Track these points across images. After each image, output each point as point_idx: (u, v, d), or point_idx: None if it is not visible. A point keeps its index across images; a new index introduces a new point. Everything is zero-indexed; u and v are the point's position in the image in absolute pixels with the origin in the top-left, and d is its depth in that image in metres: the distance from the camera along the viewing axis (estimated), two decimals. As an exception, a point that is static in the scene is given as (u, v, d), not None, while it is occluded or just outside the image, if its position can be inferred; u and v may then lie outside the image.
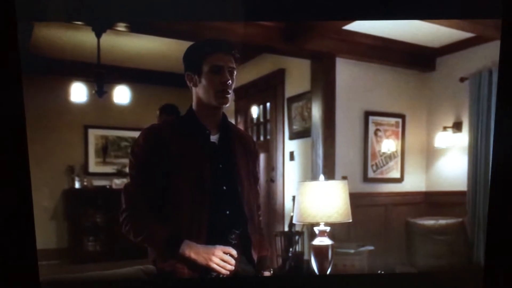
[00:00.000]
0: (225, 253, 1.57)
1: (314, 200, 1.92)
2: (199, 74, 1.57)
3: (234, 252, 1.57)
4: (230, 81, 1.58)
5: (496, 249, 1.72)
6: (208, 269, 1.59)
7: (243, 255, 1.63)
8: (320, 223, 1.97)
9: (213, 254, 1.58)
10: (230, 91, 1.58)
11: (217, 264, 1.57)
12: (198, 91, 1.59)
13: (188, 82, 1.59)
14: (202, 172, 1.57)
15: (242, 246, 1.63)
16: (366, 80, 2.55)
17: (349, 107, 2.66)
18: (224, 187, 1.60)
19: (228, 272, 1.57)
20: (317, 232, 2.02)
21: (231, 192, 1.61)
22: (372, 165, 2.74)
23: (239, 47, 1.63)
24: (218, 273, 1.58)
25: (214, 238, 1.62)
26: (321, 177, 2.12)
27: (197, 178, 1.58)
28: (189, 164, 1.58)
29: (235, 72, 1.60)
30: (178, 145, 1.57)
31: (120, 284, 1.82)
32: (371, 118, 2.68)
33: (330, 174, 2.56)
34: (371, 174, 2.70)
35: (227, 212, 1.62)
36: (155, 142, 1.57)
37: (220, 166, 1.60)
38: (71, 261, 3.07)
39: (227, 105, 1.60)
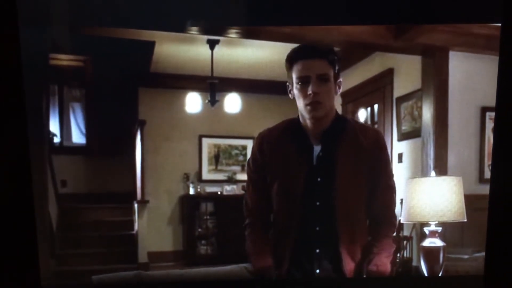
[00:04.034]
0: None
1: (424, 197, 1.83)
2: (292, 84, 1.55)
3: None
4: (318, 92, 1.51)
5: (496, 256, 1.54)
6: None
7: (334, 271, 1.58)
8: (431, 223, 1.87)
9: None
10: (321, 102, 1.52)
11: None
12: (296, 102, 1.57)
13: (288, 93, 1.58)
14: (296, 186, 1.56)
15: (331, 261, 1.59)
16: (483, 73, 2.37)
17: (463, 103, 2.50)
18: (318, 203, 1.56)
19: None
20: (427, 233, 1.91)
21: (325, 208, 1.56)
22: (489, 165, 2.51)
23: (334, 50, 1.58)
24: None
25: (300, 254, 1.62)
26: (432, 173, 2.01)
27: (290, 192, 1.57)
28: (285, 176, 1.58)
29: (330, 79, 1.53)
30: (279, 155, 1.59)
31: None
32: (488, 114, 2.48)
33: (442, 174, 2.41)
34: (488, 175, 2.48)
35: (317, 228, 1.58)
36: (259, 150, 1.60)
37: (319, 180, 1.57)
38: (185, 263, 3.26)
39: (320, 116, 1.54)
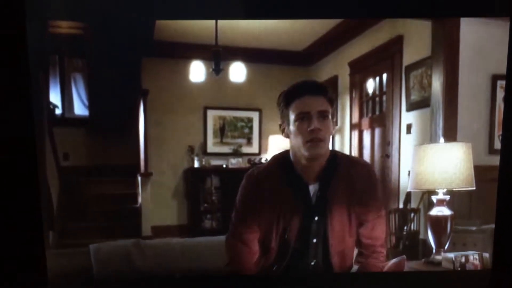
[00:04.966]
0: None
1: (432, 164, 1.85)
2: (288, 122, 1.60)
3: None
4: (320, 128, 1.56)
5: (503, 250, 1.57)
6: None
7: None
8: (439, 191, 1.90)
9: None
10: (323, 140, 1.58)
11: None
12: (291, 141, 1.62)
13: (281, 133, 1.65)
14: (293, 226, 1.65)
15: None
16: (495, 40, 2.33)
17: (474, 71, 2.47)
18: (315, 240, 1.66)
19: None
20: (435, 201, 1.94)
21: (321, 244, 1.67)
22: (499, 135, 2.50)
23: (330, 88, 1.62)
24: None
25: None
26: (441, 139, 2.03)
27: (287, 232, 1.66)
28: (282, 217, 1.65)
29: (329, 116, 1.58)
30: (275, 196, 1.65)
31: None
32: (499, 82, 2.46)
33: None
34: (498, 145, 2.47)
35: (312, 263, 1.69)
36: (253, 191, 1.67)
37: (316, 218, 1.65)
38: (190, 237, 3.32)
39: (320, 154, 1.60)
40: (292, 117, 1.58)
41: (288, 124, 1.60)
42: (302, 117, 1.56)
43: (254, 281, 1.81)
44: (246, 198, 1.67)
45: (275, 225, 1.65)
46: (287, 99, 1.60)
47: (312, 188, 1.64)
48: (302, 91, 1.58)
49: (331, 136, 1.62)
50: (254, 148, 3.40)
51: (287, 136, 1.62)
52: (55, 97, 3.21)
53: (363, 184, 1.65)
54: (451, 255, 1.96)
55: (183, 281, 2.03)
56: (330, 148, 1.66)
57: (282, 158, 1.66)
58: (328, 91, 1.59)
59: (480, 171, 1.96)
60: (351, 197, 1.64)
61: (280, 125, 1.64)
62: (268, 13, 1.83)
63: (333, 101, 1.60)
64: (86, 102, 3.42)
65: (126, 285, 2.05)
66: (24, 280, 1.73)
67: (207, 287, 1.99)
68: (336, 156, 1.66)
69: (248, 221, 1.67)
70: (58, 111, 3.29)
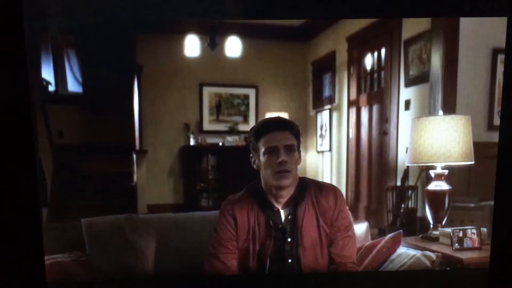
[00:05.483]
0: None
1: (431, 137, 1.87)
2: (258, 155, 1.80)
3: None
4: (287, 160, 1.75)
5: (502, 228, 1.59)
6: None
7: None
8: (437, 165, 1.90)
9: None
10: (290, 171, 1.78)
11: None
12: (261, 172, 1.82)
13: (252, 164, 1.84)
14: (267, 249, 1.83)
15: None
16: (496, 12, 2.34)
17: (474, 45, 2.45)
18: (290, 260, 1.84)
19: None
20: (433, 175, 1.95)
21: (296, 264, 1.84)
22: (498, 111, 2.49)
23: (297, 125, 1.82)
24: None
25: None
26: (440, 112, 2.03)
27: (261, 254, 1.85)
28: (256, 239, 1.84)
29: (295, 149, 1.79)
30: (247, 221, 1.84)
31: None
32: (500, 56, 2.44)
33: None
34: (497, 122, 2.46)
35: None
36: (228, 217, 1.86)
37: (289, 240, 1.82)
38: (185, 216, 3.32)
39: (288, 185, 1.79)
40: (262, 150, 1.78)
41: (259, 157, 1.81)
42: (271, 151, 1.76)
43: (253, 280, 1.95)
44: (224, 222, 1.85)
45: (251, 247, 1.83)
46: (257, 135, 1.81)
47: (284, 213, 1.83)
48: (270, 127, 1.79)
49: (297, 166, 1.83)
50: (251, 126, 3.37)
51: (258, 167, 1.83)
52: (48, 73, 3.18)
53: (331, 205, 1.83)
54: (448, 230, 1.97)
55: (179, 280, 2.11)
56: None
57: (255, 187, 1.86)
58: (294, 126, 1.81)
59: (479, 147, 1.96)
60: (320, 219, 1.83)
61: (251, 157, 1.84)
62: (268, 12, 1.89)
63: (299, 135, 1.81)
64: (80, 79, 3.39)
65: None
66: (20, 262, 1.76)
67: (205, 287, 2.08)
68: (305, 182, 1.85)
69: (225, 243, 1.85)
70: (51, 88, 3.26)
